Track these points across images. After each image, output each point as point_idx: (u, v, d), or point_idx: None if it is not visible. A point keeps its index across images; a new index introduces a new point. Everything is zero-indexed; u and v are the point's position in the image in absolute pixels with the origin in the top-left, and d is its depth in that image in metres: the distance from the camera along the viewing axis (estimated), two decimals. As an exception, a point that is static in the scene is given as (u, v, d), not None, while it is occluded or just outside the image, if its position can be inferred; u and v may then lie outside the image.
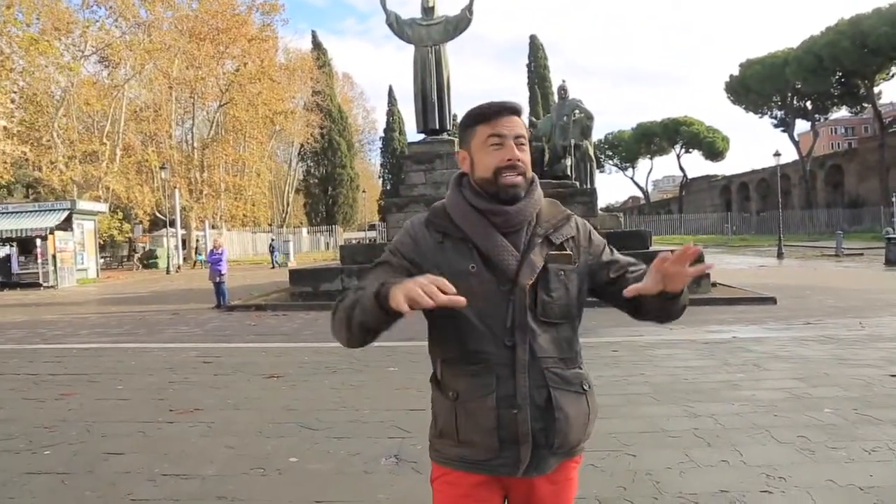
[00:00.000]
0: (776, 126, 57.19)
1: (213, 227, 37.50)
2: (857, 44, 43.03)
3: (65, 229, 22.29)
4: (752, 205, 59.40)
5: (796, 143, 55.99)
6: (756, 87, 53.16)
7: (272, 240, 34.75)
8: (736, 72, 56.63)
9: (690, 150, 69.27)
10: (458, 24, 15.62)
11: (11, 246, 21.60)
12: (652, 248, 13.39)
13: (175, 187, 32.67)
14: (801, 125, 58.59)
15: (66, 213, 22.55)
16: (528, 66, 61.50)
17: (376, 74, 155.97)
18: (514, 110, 1.46)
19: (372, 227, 50.55)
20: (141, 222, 36.04)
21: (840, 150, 62.66)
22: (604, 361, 6.29)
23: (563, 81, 19.08)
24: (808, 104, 53.24)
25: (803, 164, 53.37)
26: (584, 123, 18.09)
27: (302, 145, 50.71)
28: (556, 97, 24.08)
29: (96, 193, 29.88)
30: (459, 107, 53.96)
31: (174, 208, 31.93)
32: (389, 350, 6.98)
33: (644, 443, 3.83)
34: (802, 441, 3.75)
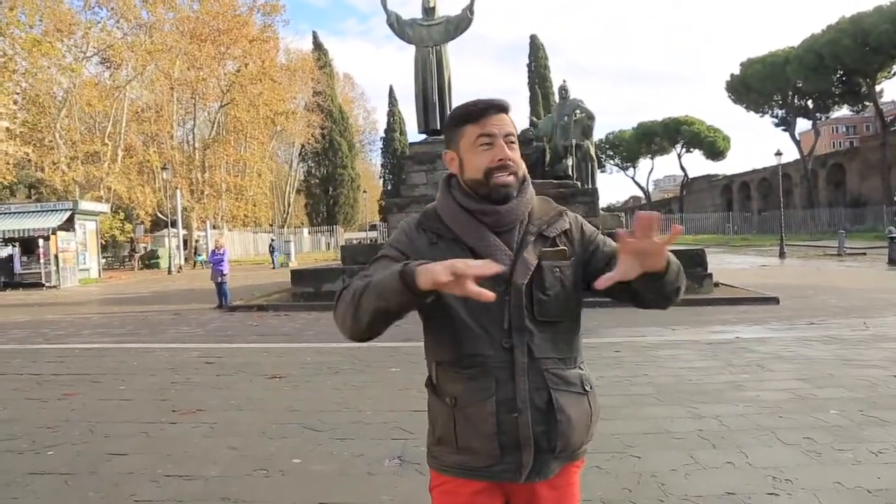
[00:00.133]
0: (777, 125, 57.12)
1: (214, 228, 37.53)
2: (859, 42, 42.94)
3: (67, 230, 22.32)
4: (754, 204, 59.34)
5: (797, 142, 55.94)
6: (757, 86, 53.09)
7: (272, 240, 34.75)
8: (737, 71, 56.59)
9: (691, 149, 69.21)
10: (459, 25, 15.61)
11: (14, 246, 21.64)
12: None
13: (176, 188, 32.70)
14: (803, 124, 58.54)
15: (68, 214, 22.58)
16: (529, 66, 61.45)
17: (377, 75, 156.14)
18: (502, 108, 1.42)
19: (373, 228, 50.56)
20: (142, 223, 36.07)
21: (842, 149, 62.58)
22: (606, 362, 6.27)
23: (564, 81, 19.07)
24: (810, 103, 53.15)
25: (805, 163, 53.30)
26: (586, 123, 18.07)
27: (303, 146, 50.75)
28: (556, 97, 24.09)
29: (98, 194, 29.92)
30: (460, 107, 53.78)
31: (175, 209, 31.95)
32: (391, 351, 6.98)
33: (648, 444, 3.82)
34: (808, 443, 3.73)
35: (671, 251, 1.30)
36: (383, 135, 66.27)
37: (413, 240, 1.44)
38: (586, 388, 1.45)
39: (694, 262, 12.63)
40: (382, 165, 67.56)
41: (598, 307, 10.59)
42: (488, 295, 1.15)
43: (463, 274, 1.13)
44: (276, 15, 39.35)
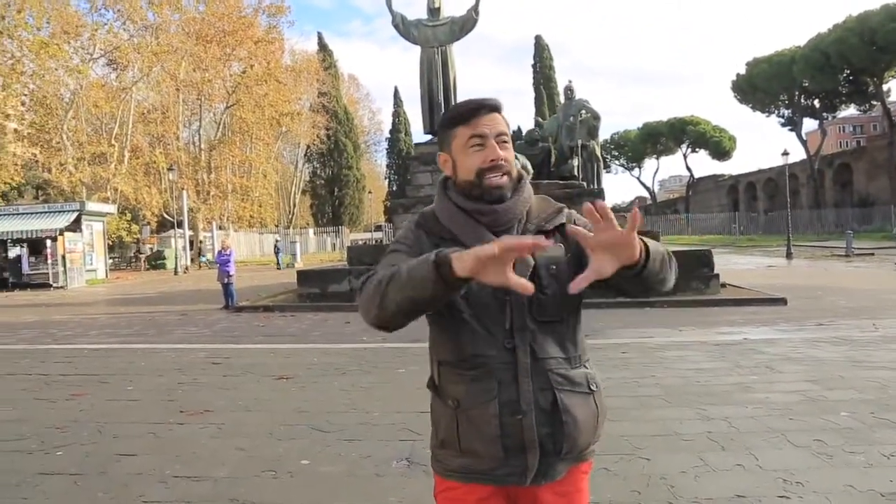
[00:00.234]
0: (783, 125, 56.88)
1: (220, 228, 37.67)
2: (866, 41, 42.69)
3: (74, 230, 22.44)
4: (760, 204, 59.09)
5: (804, 142, 55.63)
6: (763, 85, 52.86)
7: (276, 241, 34.81)
8: (742, 70, 56.38)
9: (697, 149, 69.03)
10: (465, 25, 15.59)
11: (22, 247, 21.76)
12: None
13: (182, 188, 32.84)
14: (809, 124, 58.30)
15: (75, 215, 22.70)
16: (534, 66, 61.48)
17: (382, 76, 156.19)
18: (493, 107, 1.40)
19: (378, 228, 50.65)
20: (149, 223, 36.21)
21: (849, 149, 62.24)
22: (613, 363, 6.24)
23: (570, 82, 19.02)
24: (816, 102, 52.88)
25: (811, 163, 53.01)
26: (591, 124, 18.01)
27: (308, 146, 50.86)
28: (561, 98, 24.00)
29: (105, 195, 30.09)
30: (466, 107, 53.82)
31: (182, 209, 32.08)
32: (398, 352, 6.98)
33: (657, 446, 3.80)
34: (819, 445, 3.70)
35: (675, 250, 1.27)
36: (388, 135, 66.40)
37: (420, 240, 1.44)
38: (592, 387, 1.42)
39: (701, 262, 12.59)
40: (388, 166, 67.73)
41: (604, 308, 10.61)
42: (528, 286, 1.13)
43: (510, 249, 1.08)
44: (282, 16, 39.51)
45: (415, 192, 15.62)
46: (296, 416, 4.72)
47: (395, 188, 58.04)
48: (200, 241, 36.01)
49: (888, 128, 48.37)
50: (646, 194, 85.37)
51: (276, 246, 32.95)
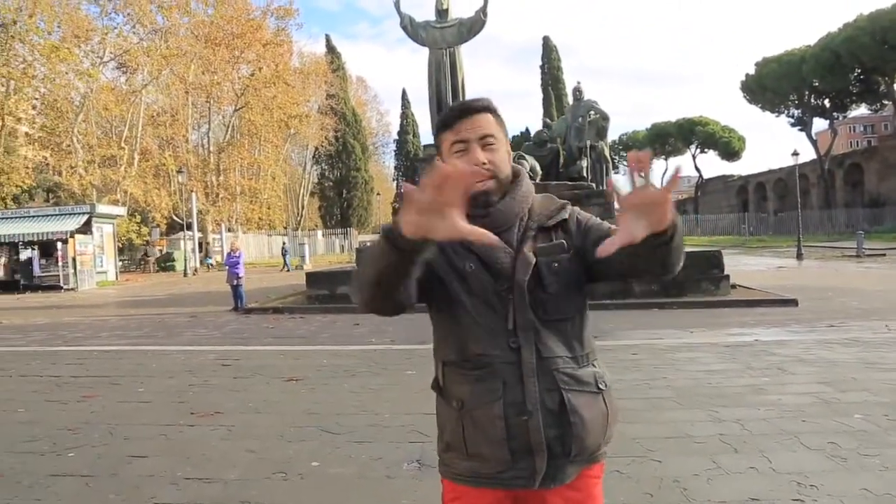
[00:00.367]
0: (793, 125, 56.53)
1: (229, 231, 37.83)
2: (877, 40, 42.38)
3: (84, 233, 22.62)
4: (770, 205, 58.69)
5: (814, 142, 55.25)
6: (772, 85, 52.56)
7: (284, 243, 34.95)
8: (752, 70, 56.10)
9: (706, 150, 68.66)
10: (473, 27, 15.59)
11: (33, 249, 21.96)
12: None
13: (192, 191, 33.02)
14: (819, 124, 57.90)
15: (85, 217, 22.89)
16: (542, 67, 61.46)
17: (390, 78, 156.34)
18: (478, 109, 1.38)
19: (386, 230, 50.63)
20: (158, 225, 36.45)
21: (859, 149, 61.78)
22: (624, 365, 6.21)
23: (578, 83, 18.95)
24: (826, 102, 52.50)
25: (821, 163, 52.64)
26: (600, 124, 17.95)
27: (316, 148, 51.05)
28: (570, 98, 23.97)
29: (115, 197, 30.33)
30: (473, 109, 53.89)
31: (191, 211, 32.24)
32: (407, 353, 6.98)
33: (669, 448, 3.77)
34: (833, 448, 3.66)
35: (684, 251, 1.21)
36: (396, 137, 66.60)
37: None
38: (601, 386, 1.39)
39: (710, 263, 12.51)
40: (396, 168, 67.88)
41: (613, 309, 10.58)
42: (488, 235, 1.09)
43: (434, 184, 1.00)
44: (290, 19, 39.77)
45: (423, 194, 15.61)
46: (306, 417, 4.72)
47: (403, 190, 58.06)
48: (207, 244, 36.16)
49: (899, 127, 47.97)
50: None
51: (283, 248, 33.08)
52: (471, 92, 16.52)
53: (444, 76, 15.57)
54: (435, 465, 3.63)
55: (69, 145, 29.46)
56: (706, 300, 11.53)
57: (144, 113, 33.87)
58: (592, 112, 17.79)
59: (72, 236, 21.59)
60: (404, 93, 65.29)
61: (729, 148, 66.18)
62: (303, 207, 54.40)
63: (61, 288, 21.10)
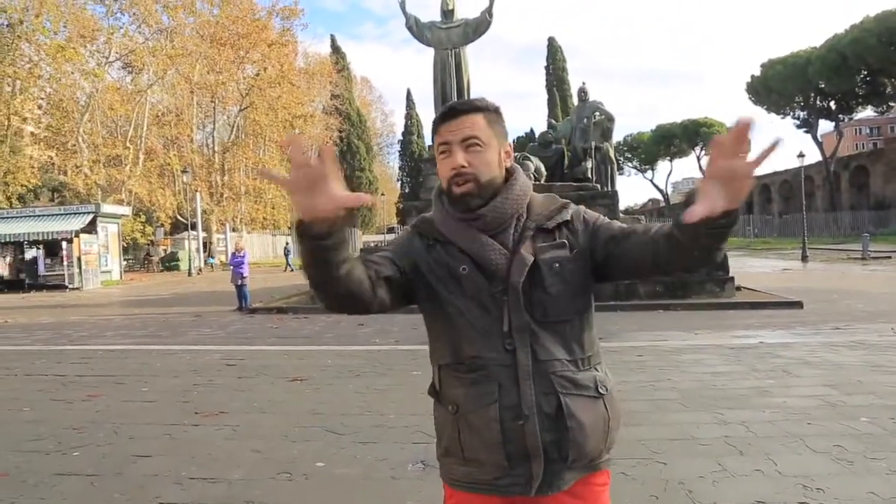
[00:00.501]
0: (799, 127, 56.25)
1: (233, 230, 37.90)
2: (884, 41, 42.14)
3: (89, 232, 22.67)
4: (775, 207, 58.49)
5: (820, 144, 55.04)
6: (778, 87, 52.35)
7: (287, 243, 34.99)
8: (757, 72, 55.91)
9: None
10: (478, 27, 15.61)
11: (38, 248, 22.04)
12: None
13: (196, 190, 33.10)
14: (825, 125, 57.60)
15: (90, 217, 22.95)
16: (547, 68, 61.49)
17: (394, 78, 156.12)
18: (463, 111, 1.34)
19: (391, 230, 50.79)
20: (163, 225, 36.55)
21: (865, 151, 61.49)
22: (629, 367, 6.20)
23: (584, 83, 18.94)
24: (832, 104, 52.26)
25: (827, 165, 52.42)
26: (605, 125, 17.93)
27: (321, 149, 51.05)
28: (575, 99, 23.94)
29: (120, 197, 30.40)
30: (477, 109, 53.99)
31: (195, 211, 32.32)
32: (412, 354, 6.98)
33: (674, 450, 3.76)
34: (839, 451, 3.64)
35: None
36: (401, 137, 66.66)
37: (413, 243, 1.42)
38: (601, 390, 1.35)
39: (715, 265, 12.45)
40: (400, 168, 67.93)
41: (618, 311, 10.56)
42: (362, 196, 1.15)
43: (295, 165, 1.08)
44: (295, 19, 39.79)
45: (428, 195, 15.61)
46: (310, 418, 4.72)
47: (407, 190, 58.20)
48: (210, 244, 36.23)
49: (906, 129, 47.74)
50: (659, 196, 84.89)
51: (286, 248, 33.12)
52: (475, 92, 16.53)
53: (449, 76, 15.58)
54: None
55: (74, 145, 29.57)
56: (711, 302, 11.50)
57: (149, 113, 33.98)
58: (598, 113, 17.77)
59: (77, 236, 21.65)
60: (409, 93, 65.51)
61: (734, 149, 65.91)
62: (307, 207, 54.43)
63: (66, 287, 21.16)
